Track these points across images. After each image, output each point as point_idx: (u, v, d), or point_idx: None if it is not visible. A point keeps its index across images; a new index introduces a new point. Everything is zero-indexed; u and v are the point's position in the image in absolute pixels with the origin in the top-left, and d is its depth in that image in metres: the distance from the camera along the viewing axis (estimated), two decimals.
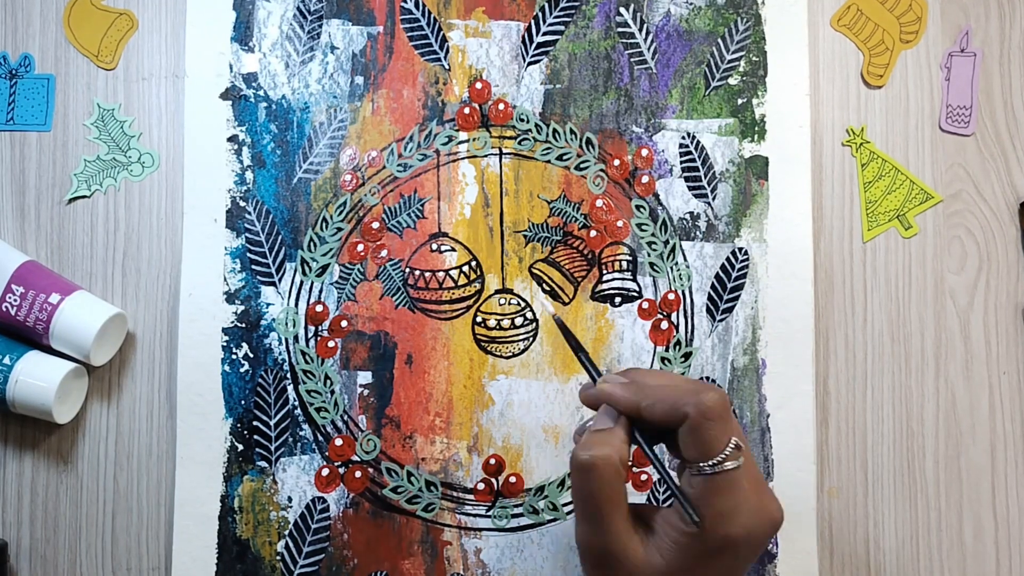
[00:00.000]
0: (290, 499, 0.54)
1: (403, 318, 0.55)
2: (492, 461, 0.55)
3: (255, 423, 0.54)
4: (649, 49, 0.58)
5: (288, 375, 0.55)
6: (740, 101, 0.58)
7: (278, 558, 0.54)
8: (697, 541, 0.39)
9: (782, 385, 0.56)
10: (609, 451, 0.41)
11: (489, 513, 0.55)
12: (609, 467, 0.40)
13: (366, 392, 0.55)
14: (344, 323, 0.55)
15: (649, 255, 0.57)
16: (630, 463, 0.42)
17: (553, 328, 0.56)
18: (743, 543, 0.40)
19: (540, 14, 0.57)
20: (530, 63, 0.57)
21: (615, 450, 0.41)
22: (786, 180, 0.57)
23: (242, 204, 0.55)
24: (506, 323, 0.56)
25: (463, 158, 0.56)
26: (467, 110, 0.57)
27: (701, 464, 0.40)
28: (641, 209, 0.57)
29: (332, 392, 0.55)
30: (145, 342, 0.55)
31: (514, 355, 0.56)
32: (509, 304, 0.56)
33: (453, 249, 0.56)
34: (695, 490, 0.40)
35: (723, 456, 0.40)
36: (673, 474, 0.49)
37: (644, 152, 0.57)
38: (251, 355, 0.54)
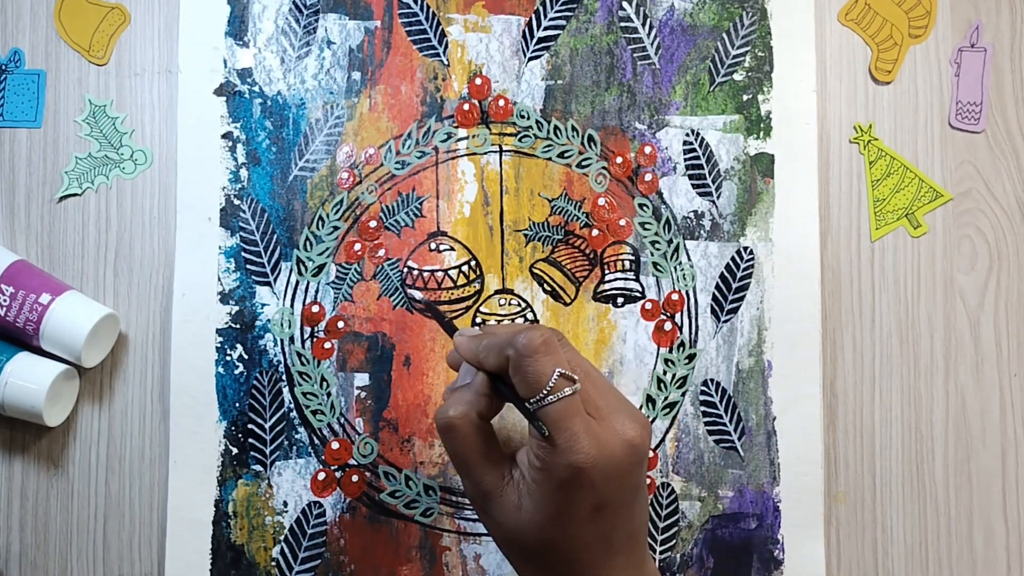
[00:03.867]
0: (285, 504, 0.53)
1: (401, 319, 0.54)
2: None
3: (250, 426, 0.53)
4: (652, 44, 0.57)
5: (283, 377, 0.54)
6: (745, 97, 0.56)
7: (273, 564, 0.53)
8: (547, 476, 0.40)
9: (788, 387, 0.55)
10: (465, 408, 0.42)
11: None
12: (467, 423, 0.42)
13: (363, 394, 0.54)
14: (341, 324, 0.54)
15: (652, 255, 0.56)
16: (492, 415, 0.44)
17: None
18: (591, 470, 0.39)
19: (541, 8, 0.56)
20: (531, 58, 0.56)
21: (471, 405, 0.42)
22: (792, 178, 0.56)
23: (236, 202, 0.54)
24: (506, 324, 0.55)
25: (462, 155, 0.55)
26: (466, 106, 0.55)
27: (530, 401, 0.40)
28: (644, 208, 0.56)
29: (328, 394, 0.54)
30: (137, 343, 0.54)
31: None
32: (509, 304, 0.55)
33: (452, 248, 0.55)
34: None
35: (548, 387, 0.40)
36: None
37: (647, 149, 0.56)
38: (246, 357, 0.53)
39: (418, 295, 0.53)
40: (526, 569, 0.43)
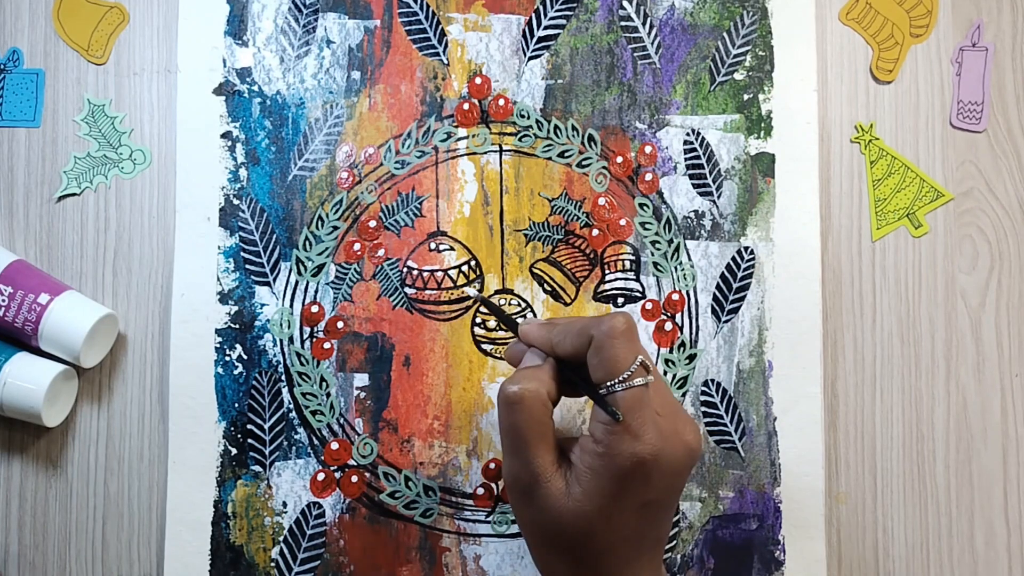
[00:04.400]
0: (285, 504, 0.53)
1: (401, 319, 0.54)
2: (492, 466, 0.54)
3: (249, 426, 0.53)
4: (653, 43, 0.56)
5: (283, 377, 0.53)
6: (746, 97, 0.56)
7: (272, 565, 0.52)
8: (608, 463, 0.40)
9: (789, 388, 0.55)
10: (536, 384, 0.42)
11: (489, 519, 0.54)
12: (536, 400, 0.42)
13: (363, 395, 0.54)
14: (340, 324, 0.54)
15: (653, 254, 0.55)
16: (555, 402, 0.44)
17: None
18: (652, 464, 0.39)
19: (541, 7, 0.56)
20: (531, 58, 0.56)
21: (542, 384, 0.42)
22: (793, 178, 0.56)
23: (236, 202, 0.54)
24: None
25: (462, 155, 0.55)
26: (466, 106, 0.55)
27: (608, 383, 0.40)
28: (644, 207, 0.56)
29: (328, 395, 0.54)
30: (136, 343, 0.54)
31: None
32: (509, 305, 0.55)
33: (452, 248, 0.55)
34: (602, 413, 0.41)
35: (629, 372, 0.40)
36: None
37: (648, 149, 0.56)
38: (245, 357, 0.53)
39: (472, 292, 0.52)
40: (554, 562, 0.42)
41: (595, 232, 0.55)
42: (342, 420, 0.54)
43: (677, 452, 0.41)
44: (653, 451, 0.39)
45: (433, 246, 0.55)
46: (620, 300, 0.55)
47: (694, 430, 0.42)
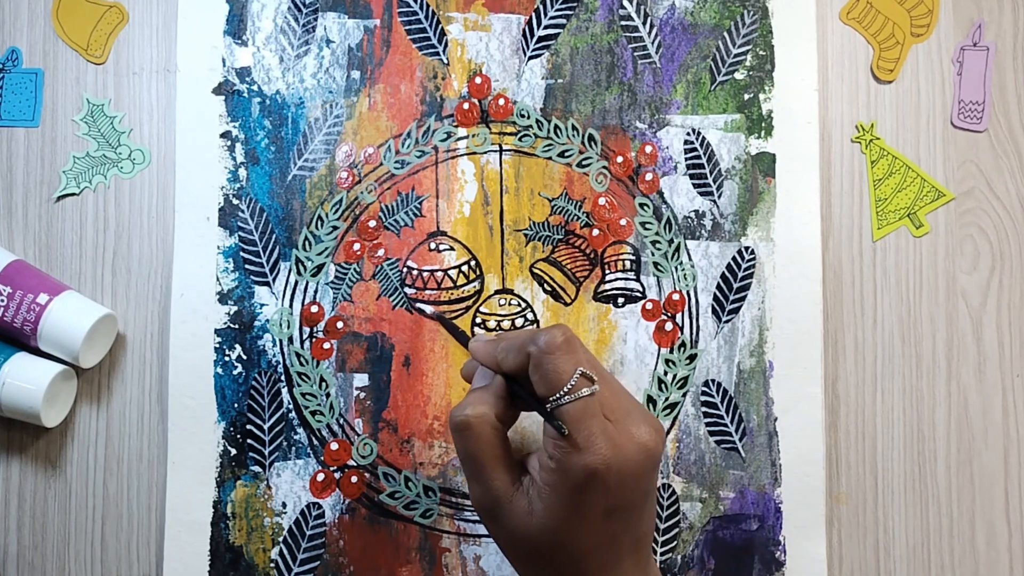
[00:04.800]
0: (284, 505, 0.53)
1: (401, 319, 0.54)
2: None
3: (248, 427, 0.53)
4: (653, 43, 0.56)
5: (282, 377, 0.53)
6: (747, 96, 0.56)
7: (272, 565, 0.52)
8: (562, 477, 0.39)
9: (790, 388, 0.54)
10: (483, 408, 0.42)
11: None
12: (484, 424, 0.42)
13: (362, 395, 0.54)
14: (340, 324, 0.54)
15: (653, 254, 0.55)
16: (508, 421, 0.44)
17: None
18: (604, 473, 0.39)
19: (541, 7, 0.56)
20: (531, 57, 0.56)
21: (490, 406, 0.42)
22: (794, 177, 0.56)
23: (235, 202, 0.54)
24: (506, 324, 0.54)
25: (462, 155, 0.55)
26: (466, 106, 0.55)
27: (550, 400, 0.40)
28: (645, 207, 0.56)
29: (328, 395, 0.53)
30: (136, 344, 0.54)
31: None
32: (509, 305, 0.55)
33: (452, 248, 0.55)
34: (551, 430, 0.40)
35: (570, 385, 0.40)
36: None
37: (648, 149, 0.56)
38: (244, 357, 0.53)
39: (428, 309, 0.53)
40: (534, 572, 0.42)
41: (595, 232, 0.55)
42: (342, 420, 0.53)
43: (631, 456, 0.40)
44: (604, 461, 0.39)
45: (433, 246, 0.55)
46: (620, 300, 0.55)
47: (650, 430, 0.41)
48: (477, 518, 0.53)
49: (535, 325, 0.54)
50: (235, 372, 0.53)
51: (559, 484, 0.40)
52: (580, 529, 0.40)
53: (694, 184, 0.56)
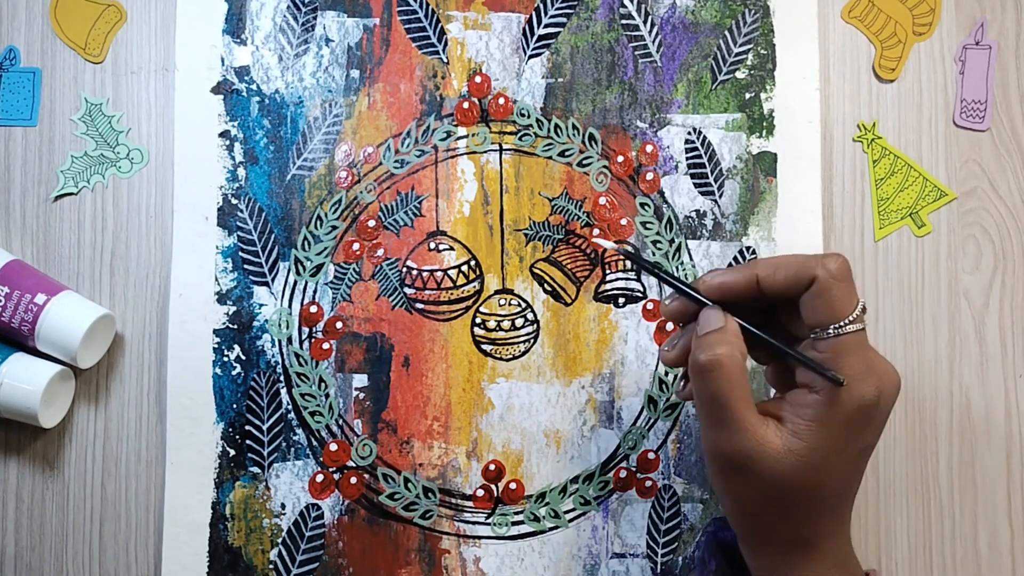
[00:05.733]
0: (283, 506, 0.52)
1: (400, 319, 0.54)
2: (492, 467, 0.53)
3: (247, 427, 0.53)
4: (654, 42, 0.56)
5: (281, 378, 0.53)
6: (748, 95, 0.56)
7: (271, 567, 0.52)
8: (832, 412, 0.39)
9: None
10: (731, 347, 0.40)
11: (489, 520, 0.53)
12: (734, 363, 0.40)
13: (362, 395, 0.53)
14: (339, 324, 0.53)
15: (654, 254, 0.55)
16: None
17: (555, 329, 0.54)
18: (875, 406, 0.39)
19: (541, 5, 0.56)
20: (531, 56, 0.55)
21: (735, 346, 0.40)
22: (795, 177, 0.55)
23: (234, 201, 0.54)
24: (506, 324, 0.54)
25: (462, 154, 0.55)
26: (466, 105, 0.55)
27: (831, 327, 0.39)
28: (646, 207, 0.55)
29: (327, 396, 0.53)
30: (134, 344, 0.54)
31: (514, 357, 0.54)
32: (509, 305, 0.54)
33: (452, 248, 0.54)
34: (821, 355, 0.40)
35: (854, 315, 0.39)
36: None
37: (649, 148, 0.55)
38: (243, 357, 0.53)
39: (608, 244, 0.47)
40: (760, 522, 0.41)
41: (596, 232, 0.55)
42: (341, 421, 0.53)
43: (891, 389, 0.40)
44: (877, 393, 0.39)
45: (433, 246, 0.54)
46: (621, 300, 0.55)
47: (893, 367, 0.41)
48: (477, 520, 0.53)
49: (535, 325, 0.54)
50: (234, 372, 0.53)
51: (829, 418, 0.39)
52: (838, 467, 0.39)
53: (695, 184, 0.56)
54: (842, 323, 0.39)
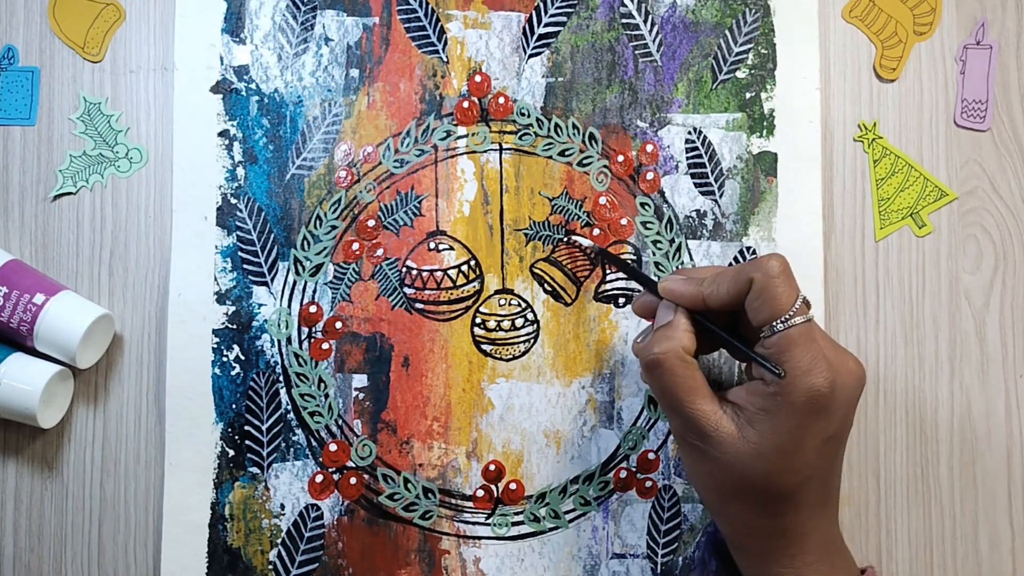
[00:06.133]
0: (283, 506, 0.52)
1: (400, 319, 0.54)
2: (492, 467, 0.53)
3: (246, 428, 0.52)
4: (654, 41, 0.56)
5: (281, 378, 0.53)
6: (748, 95, 0.56)
7: (270, 567, 0.52)
8: (783, 402, 0.40)
9: None
10: (672, 343, 0.43)
11: (489, 521, 0.53)
12: (674, 358, 0.42)
13: (361, 396, 0.53)
14: (339, 324, 0.53)
15: (654, 254, 0.55)
16: (695, 351, 0.44)
17: (555, 329, 0.54)
18: (829, 397, 0.39)
19: (541, 5, 0.55)
20: (531, 55, 0.55)
21: (678, 341, 0.43)
22: (796, 177, 0.55)
23: (233, 201, 0.53)
24: (506, 324, 0.54)
25: (462, 154, 0.55)
26: (466, 104, 0.55)
27: (774, 323, 0.40)
28: (646, 207, 0.55)
29: (326, 396, 0.53)
30: (133, 344, 0.53)
31: (514, 357, 0.54)
32: (509, 305, 0.54)
33: (452, 248, 0.54)
34: (769, 351, 0.41)
35: (794, 310, 0.40)
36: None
37: (649, 148, 0.55)
38: (242, 357, 0.53)
39: (585, 242, 0.51)
40: (737, 512, 0.42)
41: (596, 231, 0.55)
42: (340, 421, 0.53)
43: (849, 381, 0.41)
44: (827, 383, 0.39)
45: (432, 245, 0.54)
46: (621, 300, 0.55)
47: (855, 360, 0.42)
48: (477, 520, 0.53)
49: (535, 326, 0.54)
50: (233, 372, 0.53)
51: (779, 408, 0.40)
52: (796, 458, 0.40)
53: (695, 183, 0.55)
54: (784, 318, 0.40)
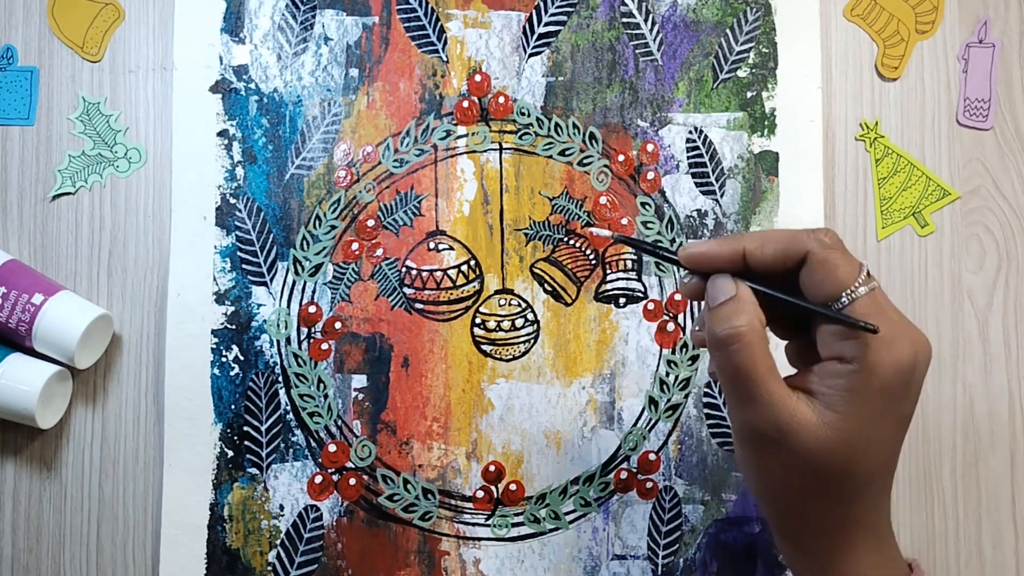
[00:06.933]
0: (282, 507, 0.52)
1: (399, 319, 0.53)
2: (492, 468, 0.53)
3: (245, 428, 0.52)
4: (655, 40, 0.56)
5: (280, 378, 0.53)
6: (749, 94, 0.56)
7: (269, 568, 0.52)
8: (868, 379, 0.36)
9: None
10: (748, 316, 0.37)
11: (488, 522, 0.53)
12: (754, 333, 0.37)
13: (361, 396, 0.53)
14: (338, 324, 0.53)
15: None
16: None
17: (555, 330, 0.54)
18: (911, 369, 0.36)
19: (542, 4, 0.55)
20: (531, 55, 0.55)
21: (753, 314, 0.38)
22: (797, 176, 0.55)
23: (232, 201, 0.53)
24: (506, 325, 0.54)
25: (462, 153, 0.54)
26: (466, 103, 0.55)
27: (841, 296, 0.37)
28: (647, 206, 0.55)
29: (325, 396, 0.53)
30: (131, 344, 0.53)
31: (514, 358, 0.54)
32: (509, 305, 0.54)
33: (451, 248, 0.54)
34: (840, 330, 0.37)
35: (861, 279, 0.37)
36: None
37: (650, 147, 0.55)
38: (241, 358, 0.53)
39: (603, 232, 0.44)
40: (806, 511, 0.39)
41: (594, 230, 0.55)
42: (340, 422, 0.53)
43: (925, 354, 0.37)
44: (912, 355, 0.36)
45: (432, 245, 0.54)
46: (622, 300, 0.54)
47: (921, 331, 0.38)
48: (477, 521, 0.53)
49: (535, 326, 0.54)
50: (232, 373, 0.52)
51: (863, 387, 0.36)
52: (875, 441, 0.37)
53: (696, 183, 0.55)
54: (851, 289, 0.37)
